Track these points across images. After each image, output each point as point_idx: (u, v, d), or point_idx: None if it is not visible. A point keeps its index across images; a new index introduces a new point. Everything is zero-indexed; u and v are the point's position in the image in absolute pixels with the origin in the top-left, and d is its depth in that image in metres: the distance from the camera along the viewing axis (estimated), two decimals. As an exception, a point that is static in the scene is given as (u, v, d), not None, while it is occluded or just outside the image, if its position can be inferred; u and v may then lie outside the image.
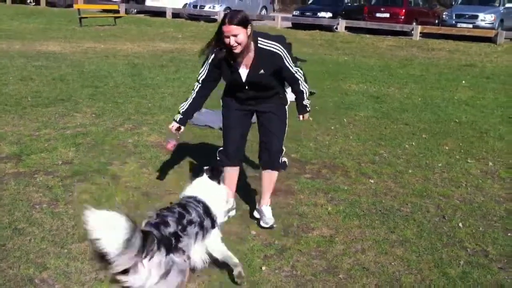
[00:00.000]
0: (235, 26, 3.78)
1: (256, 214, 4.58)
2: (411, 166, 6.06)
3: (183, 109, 4.28)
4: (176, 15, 26.74)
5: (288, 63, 4.08)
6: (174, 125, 4.29)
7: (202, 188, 3.58)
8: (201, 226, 3.32)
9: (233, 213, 4.41)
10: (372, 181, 5.55)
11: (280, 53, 4.00)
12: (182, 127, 4.31)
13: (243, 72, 4.07)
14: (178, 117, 4.28)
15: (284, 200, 4.99)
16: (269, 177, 4.52)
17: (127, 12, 26.91)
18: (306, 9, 25.90)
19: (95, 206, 2.65)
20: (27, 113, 7.44)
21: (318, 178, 5.57)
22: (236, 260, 3.54)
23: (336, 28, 22.96)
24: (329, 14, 24.30)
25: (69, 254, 3.80)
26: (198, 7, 26.71)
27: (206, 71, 4.15)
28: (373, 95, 9.89)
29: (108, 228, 2.59)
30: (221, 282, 3.59)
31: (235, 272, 3.51)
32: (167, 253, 2.95)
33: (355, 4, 26.91)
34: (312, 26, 23.04)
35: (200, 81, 4.23)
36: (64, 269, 3.61)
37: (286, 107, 4.39)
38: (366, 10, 24.34)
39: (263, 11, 29.62)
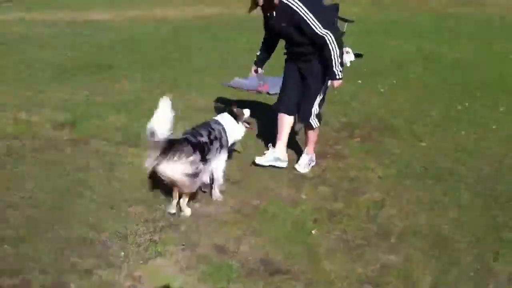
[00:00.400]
0: None
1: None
2: (463, 127, 5.91)
3: (258, 54, 5.00)
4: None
5: (311, 22, 4.28)
6: (253, 67, 5.05)
7: (223, 118, 4.37)
8: (221, 142, 4.13)
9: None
10: (423, 144, 5.46)
11: (299, 10, 4.28)
12: (260, 69, 5.04)
13: (273, 23, 4.54)
14: (255, 60, 5.02)
15: (334, 164, 4.98)
16: (306, 130, 4.83)
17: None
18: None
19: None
20: (78, 80, 7.62)
21: (368, 141, 5.51)
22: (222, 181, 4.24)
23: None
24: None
25: (126, 217, 3.91)
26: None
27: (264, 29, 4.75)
28: (424, 53, 9.62)
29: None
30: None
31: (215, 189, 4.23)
32: (201, 158, 3.82)
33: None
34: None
35: (263, 38, 4.92)
36: (120, 231, 3.73)
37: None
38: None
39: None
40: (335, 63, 4.34)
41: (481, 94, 7.15)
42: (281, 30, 4.50)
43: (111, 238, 3.65)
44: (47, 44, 10.25)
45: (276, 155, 4.76)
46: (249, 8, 4.44)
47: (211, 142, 4.01)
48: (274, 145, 4.84)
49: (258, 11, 4.49)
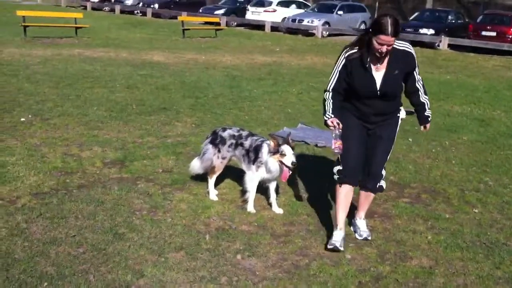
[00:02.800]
0: (394, 38, 3.86)
1: (351, 227, 4.63)
2: (519, 197, 5.67)
3: (329, 110, 4.22)
4: (274, 28, 27.05)
5: (418, 66, 4.17)
6: (333, 120, 4.15)
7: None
8: (247, 152, 4.88)
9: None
10: (476, 210, 5.25)
11: (413, 52, 4.09)
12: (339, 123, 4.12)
13: (378, 76, 4.05)
14: (328, 115, 4.22)
15: (381, 224, 4.83)
16: (365, 196, 4.54)
17: (227, 24, 27.56)
18: (408, 25, 25.24)
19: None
20: (131, 120, 7.77)
21: (418, 203, 5.34)
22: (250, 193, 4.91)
23: (438, 46, 22.21)
24: (431, 31, 23.58)
25: (165, 263, 3.87)
26: (296, 21, 26.86)
27: (335, 78, 4.19)
28: (478, 118, 9.41)
29: None
30: None
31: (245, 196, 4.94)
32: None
33: (459, 21, 25.95)
34: (413, 43, 22.36)
35: (330, 90, 4.26)
36: (160, 278, 3.68)
37: (397, 128, 4.37)
38: (471, 28, 23.33)
39: (362, 26, 29.25)
40: (427, 108, 4.31)
41: (538, 163, 6.87)
42: (388, 83, 4.05)
43: (150, 285, 3.60)
44: (105, 81, 10.57)
45: (344, 234, 4.36)
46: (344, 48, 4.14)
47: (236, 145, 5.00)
48: (336, 223, 4.37)
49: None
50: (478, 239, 4.62)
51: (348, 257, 4.19)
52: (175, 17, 27.10)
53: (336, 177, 4.34)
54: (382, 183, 4.45)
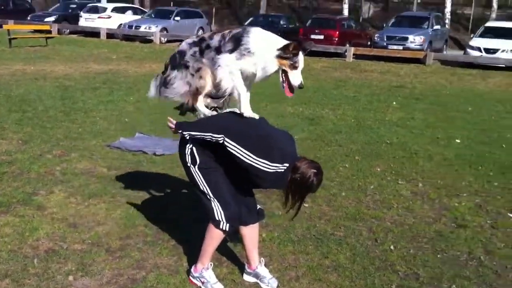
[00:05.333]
0: None
1: (250, 278, 4.04)
2: (344, 188, 6.12)
3: None
4: (110, 35, 26.33)
5: None
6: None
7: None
8: (218, 49, 3.57)
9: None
10: (306, 205, 5.55)
11: None
12: None
13: None
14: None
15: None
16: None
17: (59, 32, 26.23)
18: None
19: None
20: None
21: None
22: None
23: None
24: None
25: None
26: (133, 28, 26.43)
27: None
28: (308, 117, 10.00)
29: None
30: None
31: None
32: None
33: (291, 25, 27.44)
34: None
35: None
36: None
37: None
38: (301, 32, 24.79)
39: (200, 32, 29.64)
40: None
41: (360, 156, 7.48)
42: None
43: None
44: None
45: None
46: None
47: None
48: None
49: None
50: (309, 232, 4.90)
51: (185, 264, 4.20)
52: (0, 26, 25.18)
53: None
54: None
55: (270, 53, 3.50)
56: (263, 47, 3.51)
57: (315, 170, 3.56)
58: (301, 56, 3.55)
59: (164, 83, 3.87)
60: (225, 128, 3.51)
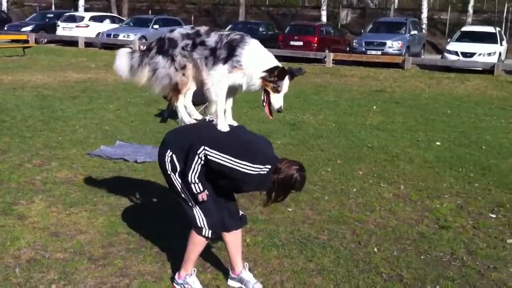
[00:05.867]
0: None
1: (234, 283, 4.01)
2: (327, 192, 6.14)
3: None
4: (89, 44, 26.14)
5: None
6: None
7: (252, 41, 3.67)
8: (213, 51, 3.61)
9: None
10: (290, 209, 5.57)
11: None
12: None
13: None
14: None
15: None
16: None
17: (37, 42, 25.94)
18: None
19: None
20: None
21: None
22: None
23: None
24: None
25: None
26: (112, 36, 26.28)
27: None
28: (290, 122, 10.03)
29: None
30: None
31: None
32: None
33: (270, 32, 27.54)
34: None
35: None
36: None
37: None
38: (280, 38, 24.88)
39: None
40: None
41: (342, 160, 7.51)
42: None
43: None
44: None
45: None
46: None
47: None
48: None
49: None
50: (293, 236, 4.90)
51: (169, 271, 4.16)
52: (-24, 36, 24.87)
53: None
54: None
55: (257, 72, 3.54)
56: (253, 63, 3.54)
57: (297, 167, 3.62)
58: (286, 81, 3.59)
59: (142, 63, 3.83)
60: (205, 138, 3.52)
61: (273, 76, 3.52)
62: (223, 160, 3.45)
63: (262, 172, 3.50)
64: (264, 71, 3.52)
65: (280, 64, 3.57)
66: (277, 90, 3.57)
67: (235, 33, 3.69)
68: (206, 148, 3.46)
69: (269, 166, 3.54)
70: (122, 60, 3.92)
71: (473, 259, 4.59)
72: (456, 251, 4.73)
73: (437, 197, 6.11)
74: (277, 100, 3.60)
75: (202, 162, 3.50)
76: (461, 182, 6.68)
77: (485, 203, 5.97)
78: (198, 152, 3.47)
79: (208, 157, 3.46)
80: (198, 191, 3.55)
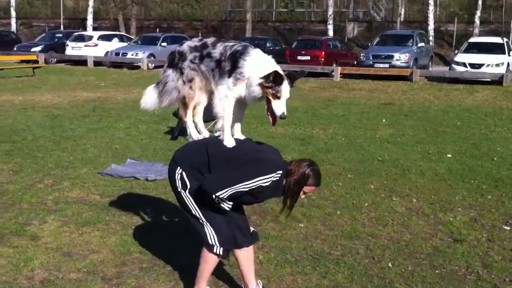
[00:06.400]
0: None
1: None
2: (339, 207, 6.11)
3: None
4: (98, 63, 26.38)
5: None
6: None
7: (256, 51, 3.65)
8: (218, 63, 3.66)
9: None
10: (302, 225, 5.54)
11: None
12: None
13: None
14: None
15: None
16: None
17: (46, 62, 26.25)
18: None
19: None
20: None
21: (248, 226, 5.48)
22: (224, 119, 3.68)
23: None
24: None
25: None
26: (120, 55, 26.50)
27: None
28: (299, 137, 10.03)
29: None
30: None
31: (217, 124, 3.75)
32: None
33: (277, 47, 27.67)
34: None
35: None
36: None
37: None
38: (287, 53, 24.98)
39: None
40: None
41: (352, 174, 7.48)
42: None
43: None
44: None
45: None
46: None
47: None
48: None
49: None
50: (305, 252, 4.87)
51: (183, 289, 4.15)
52: (-14, 58, 25.19)
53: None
54: None
55: (255, 79, 3.51)
56: (255, 72, 3.53)
57: (307, 163, 3.65)
58: (284, 86, 3.50)
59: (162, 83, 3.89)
60: (214, 181, 3.52)
61: (270, 81, 3.45)
62: (239, 190, 3.48)
63: (274, 179, 3.54)
64: (261, 77, 3.47)
65: (280, 70, 3.52)
66: (277, 96, 3.50)
67: (239, 44, 3.68)
68: (217, 195, 3.46)
69: (280, 172, 3.58)
70: (151, 93, 3.99)
71: (489, 272, 4.54)
72: (471, 264, 4.68)
73: (450, 210, 6.07)
74: (278, 107, 3.53)
75: (222, 201, 3.54)
76: (474, 194, 6.63)
77: (498, 215, 5.92)
78: (214, 198, 3.49)
79: (225, 197, 3.49)
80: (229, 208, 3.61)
